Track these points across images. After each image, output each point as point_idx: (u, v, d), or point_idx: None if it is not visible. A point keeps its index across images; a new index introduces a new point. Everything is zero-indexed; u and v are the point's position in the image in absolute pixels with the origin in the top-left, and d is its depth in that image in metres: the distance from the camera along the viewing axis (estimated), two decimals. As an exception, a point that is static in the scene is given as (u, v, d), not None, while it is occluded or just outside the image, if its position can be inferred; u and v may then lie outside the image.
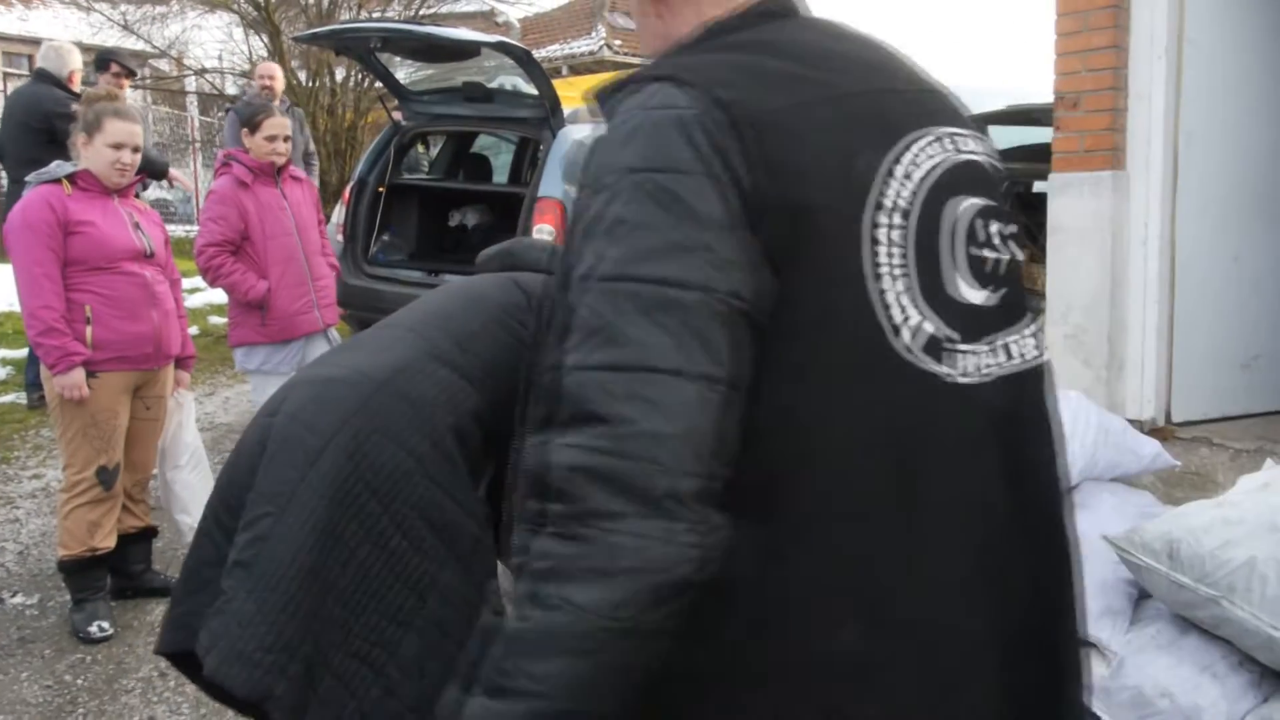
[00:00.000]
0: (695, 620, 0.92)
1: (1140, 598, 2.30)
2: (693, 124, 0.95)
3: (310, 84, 14.36)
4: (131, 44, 15.80)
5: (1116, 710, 2.09)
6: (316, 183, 6.64)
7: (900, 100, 1.07)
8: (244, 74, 15.12)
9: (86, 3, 16.22)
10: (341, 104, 14.28)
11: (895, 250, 0.99)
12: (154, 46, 16.12)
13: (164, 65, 17.37)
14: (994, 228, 1.07)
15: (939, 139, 1.06)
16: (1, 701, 3.33)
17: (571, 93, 10.28)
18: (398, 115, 7.04)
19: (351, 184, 6.90)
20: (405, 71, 6.90)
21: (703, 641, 0.95)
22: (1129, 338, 4.59)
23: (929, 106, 1.09)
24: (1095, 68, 4.61)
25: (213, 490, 1.82)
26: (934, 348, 1.00)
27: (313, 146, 8.39)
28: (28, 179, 3.68)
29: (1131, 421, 3.67)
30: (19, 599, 4.08)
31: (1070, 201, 4.76)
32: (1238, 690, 2.07)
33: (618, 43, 21.07)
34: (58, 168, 3.65)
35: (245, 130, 4.48)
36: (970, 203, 1.05)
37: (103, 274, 3.61)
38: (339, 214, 6.87)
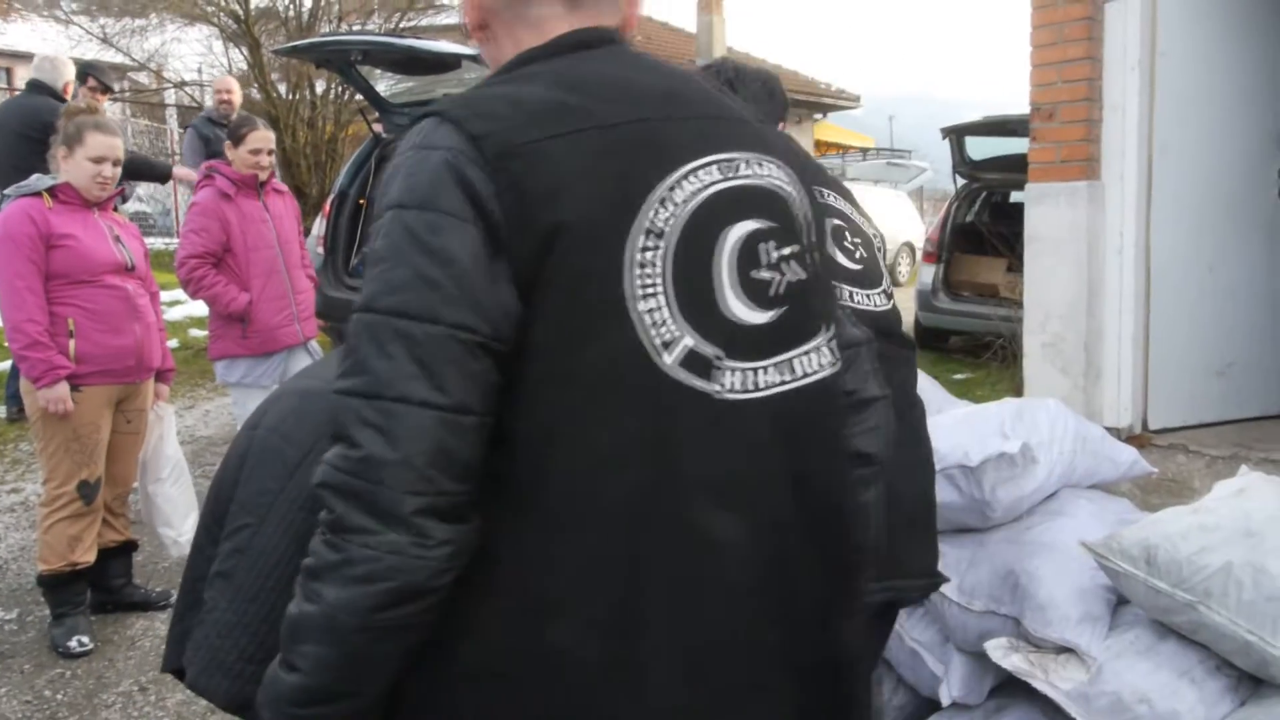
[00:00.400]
0: (456, 616, 1.03)
1: (1118, 604, 2.33)
2: (447, 160, 1.02)
3: (290, 96, 14.33)
4: (111, 57, 15.73)
5: (1096, 716, 2.11)
6: None
7: (684, 128, 1.12)
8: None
9: (65, 16, 16.13)
10: (321, 116, 14.25)
11: (657, 272, 1.04)
12: (133, 59, 16.04)
13: (143, 78, 17.28)
14: (773, 250, 1.12)
15: (719, 164, 1.11)
16: (-20, 718, 3.30)
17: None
18: (378, 127, 7.04)
19: (332, 196, 6.90)
20: (386, 84, 6.91)
21: (463, 636, 1.04)
22: (1105, 346, 4.63)
23: (718, 134, 1.14)
24: (1070, 79, 4.66)
25: (203, 505, 1.83)
26: (699, 365, 1.05)
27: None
28: (6, 192, 3.66)
29: (1108, 429, 3.71)
30: (-3, 614, 4.05)
31: (1047, 211, 4.80)
32: (1215, 694, 2.09)
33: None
34: (37, 181, 3.64)
35: (229, 143, 4.49)
36: (746, 226, 1.10)
37: (85, 287, 3.60)
38: (319, 226, 6.86)
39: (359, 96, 8.11)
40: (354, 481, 0.99)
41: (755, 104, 2.11)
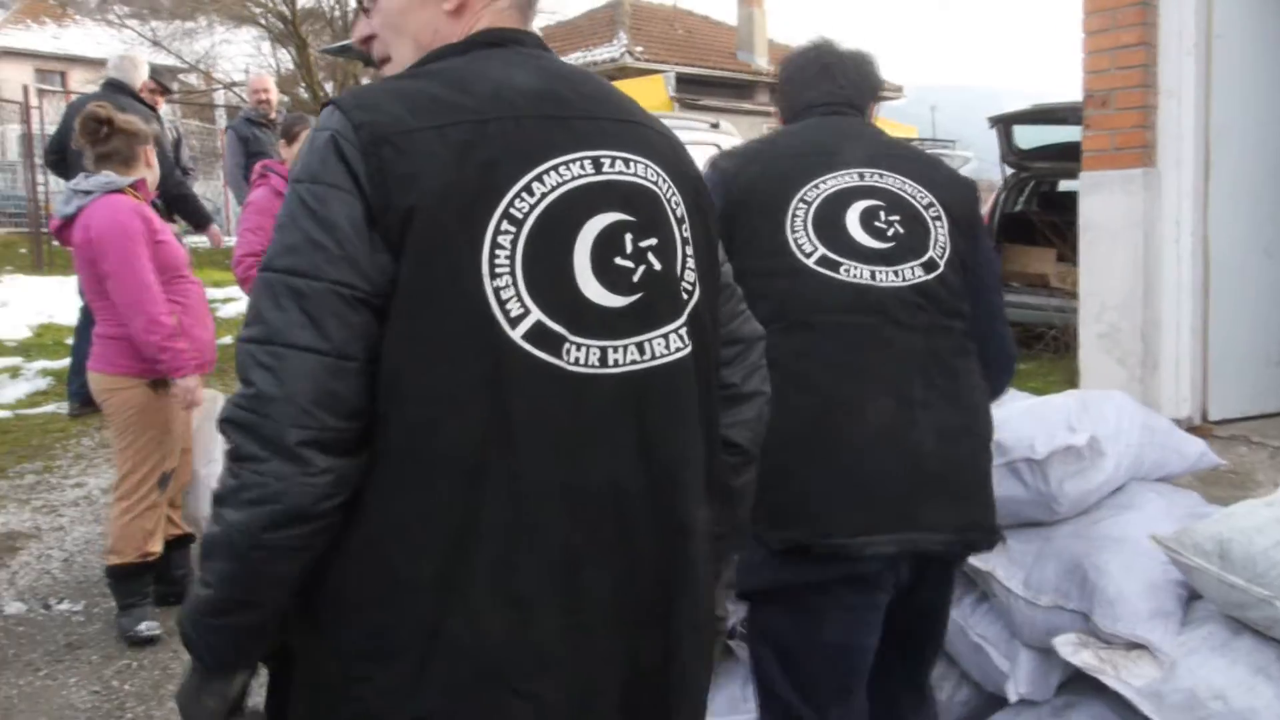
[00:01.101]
0: (334, 540, 1.16)
1: (1191, 599, 2.29)
2: (334, 142, 1.16)
3: (338, 94, 14.47)
4: (162, 59, 15.99)
5: (1169, 713, 2.08)
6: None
7: (559, 126, 1.24)
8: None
9: (118, 20, 16.38)
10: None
11: (509, 255, 1.17)
12: (184, 61, 16.27)
13: (193, 80, 17.52)
14: (634, 241, 1.24)
15: (587, 160, 1.23)
16: (50, 707, 3.37)
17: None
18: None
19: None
20: None
21: (336, 557, 1.17)
22: (1163, 336, 4.55)
23: (592, 133, 1.26)
24: (1125, 65, 4.58)
25: None
26: (548, 339, 1.17)
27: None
28: (84, 187, 3.69)
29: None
30: (65, 605, 4.13)
31: (1101, 200, 4.73)
32: (1290, 690, 2.06)
33: (639, 49, 21.13)
34: (116, 178, 3.69)
35: (282, 141, 4.58)
36: (608, 218, 1.22)
37: (178, 283, 3.71)
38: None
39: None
40: (248, 415, 1.12)
41: (850, 85, 2.16)
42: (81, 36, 20.32)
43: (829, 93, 2.15)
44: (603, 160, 1.25)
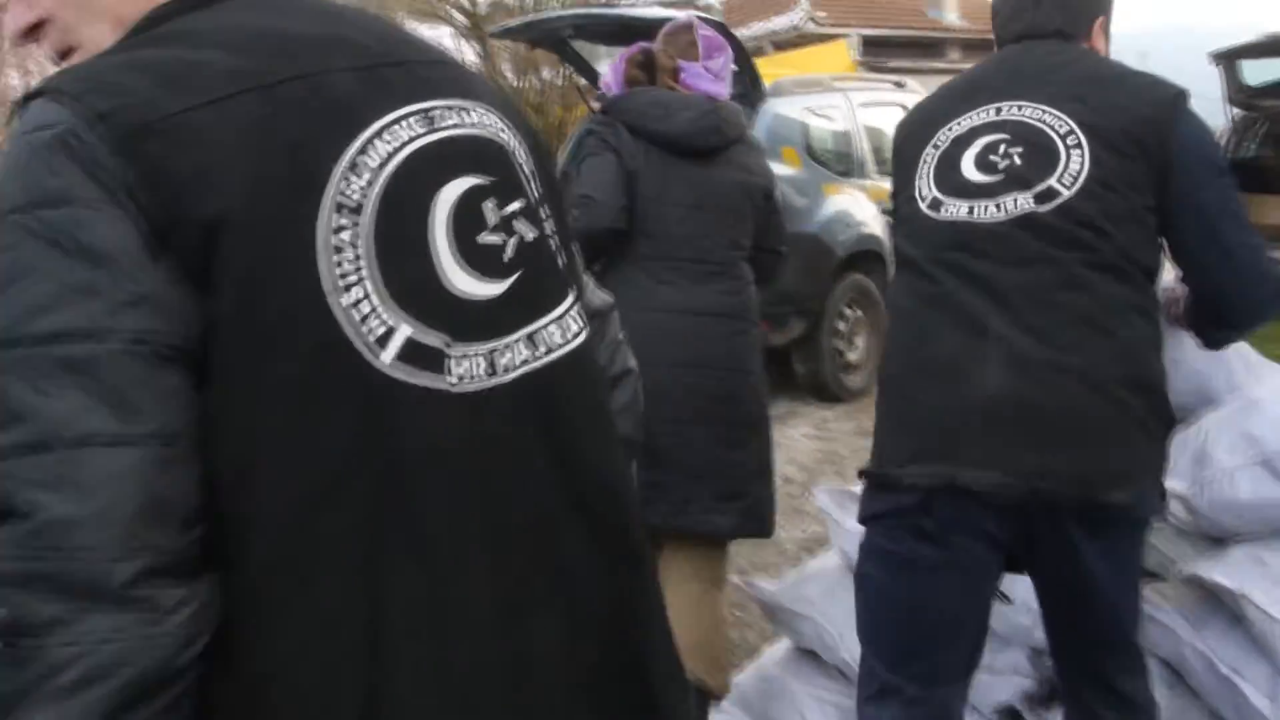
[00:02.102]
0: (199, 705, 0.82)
1: None
2: (69, 144, 0.81)
3: (518, 84, 14.59)
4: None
5: None
6: None
7: (368, 79, 0.94)
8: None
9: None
10: (549, 101, 14.42)
11: (358, 255, 0.87)
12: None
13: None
14: (498, 208, 0.97)
15: (416, 117, 0.94)
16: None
17: (775, 69, 9.95)
18: (596, 105, 6.91)
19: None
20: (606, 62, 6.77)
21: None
22: None
23: (410, 82, 0.97)
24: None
25: None
26: (425, 357, 0.89)
27: None
28: None
29: None
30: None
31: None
32: None
33: (822, 14, 20.49)
34: None
35: None
36: (461, 184, 0.94)
37: None
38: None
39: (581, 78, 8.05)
40: (37, 561, 0.74)
41: (1056, 9, 1.94)
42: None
43: (1031, 24, 1.96)
44: (433, 113, 0.95)
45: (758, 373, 2.75)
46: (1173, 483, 2.02)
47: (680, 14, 6.29)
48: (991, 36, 2.04)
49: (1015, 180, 1.78)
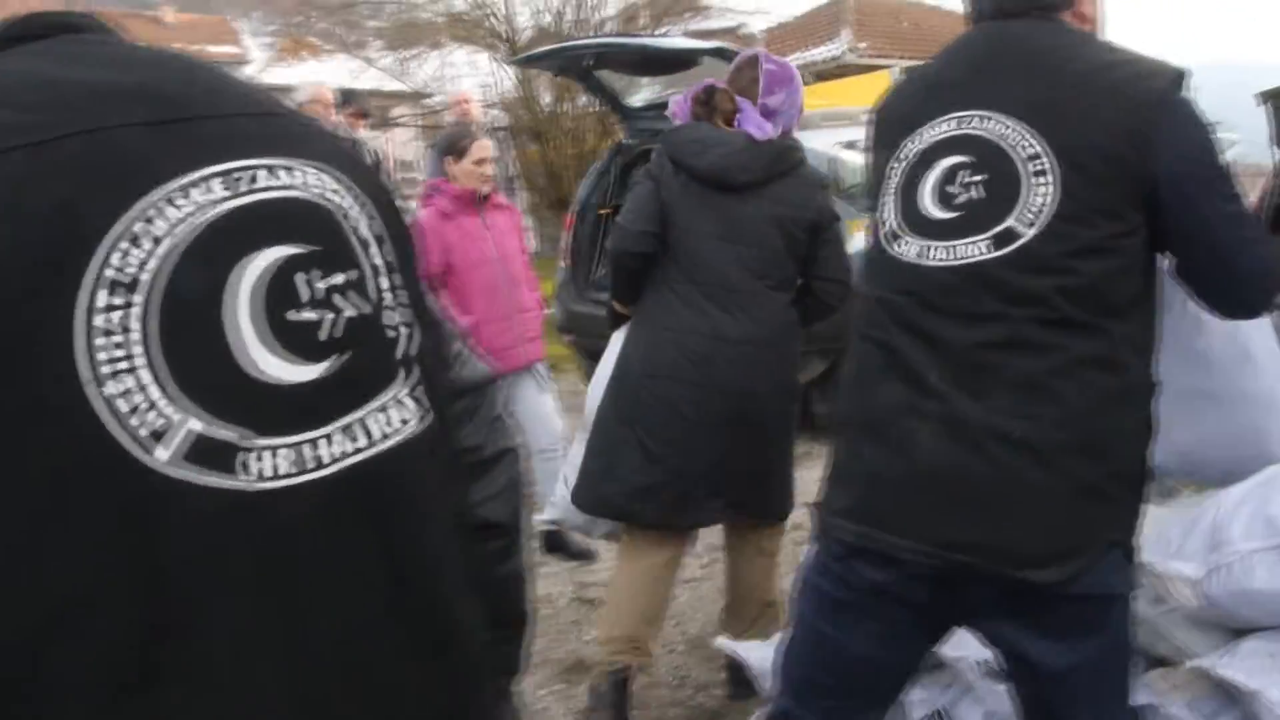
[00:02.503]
0: None
1: None
2: None
3: (555, 110, 14.58)
4: (392, 85, 16.72)
5: None
6: (520, 208, 6.57)
7: (163, 135, 0.83)
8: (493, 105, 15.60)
9: (367, 57, 17.21)
10: (583, 128, 14.39)
11: (133, 338, 0.77)
12: (409, 87, 16.88)
13: (433, 101, 18.17)
14: (318, 281, 0.85)
15: (223, 177, 0.83)
16: None
17: (817, 100, 9.83)
18: (623, 134, 6.84)
19: (574, 208, 6.75)
20: (647, 91, 6.69)
21: None
22: None
23: (225, 137, 0.86)
24: None
25: None
26: (214, 454, 0.78)
27: (514, 170, 8.23)
28: None
29: None
30: None
31: None
32: None
33: (864, 45, 20.36)
34: None
35: (450, 158, 4.30)
36: (274, 254, 0.83)
37: None
38: (563, 238, 6.75)
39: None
40: None
41: None
42: (335, 69, 21.59)
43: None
44: (242, 174, 0.83)
45: (774, 394, 2.94)
46: (1181, 565, 1.85)
47: (701, 43, 6.23)
48: None
49: (972, 220, 1.63)
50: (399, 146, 18.03)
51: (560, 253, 6.79)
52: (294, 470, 0.81)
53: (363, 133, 7.04)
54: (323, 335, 0.85)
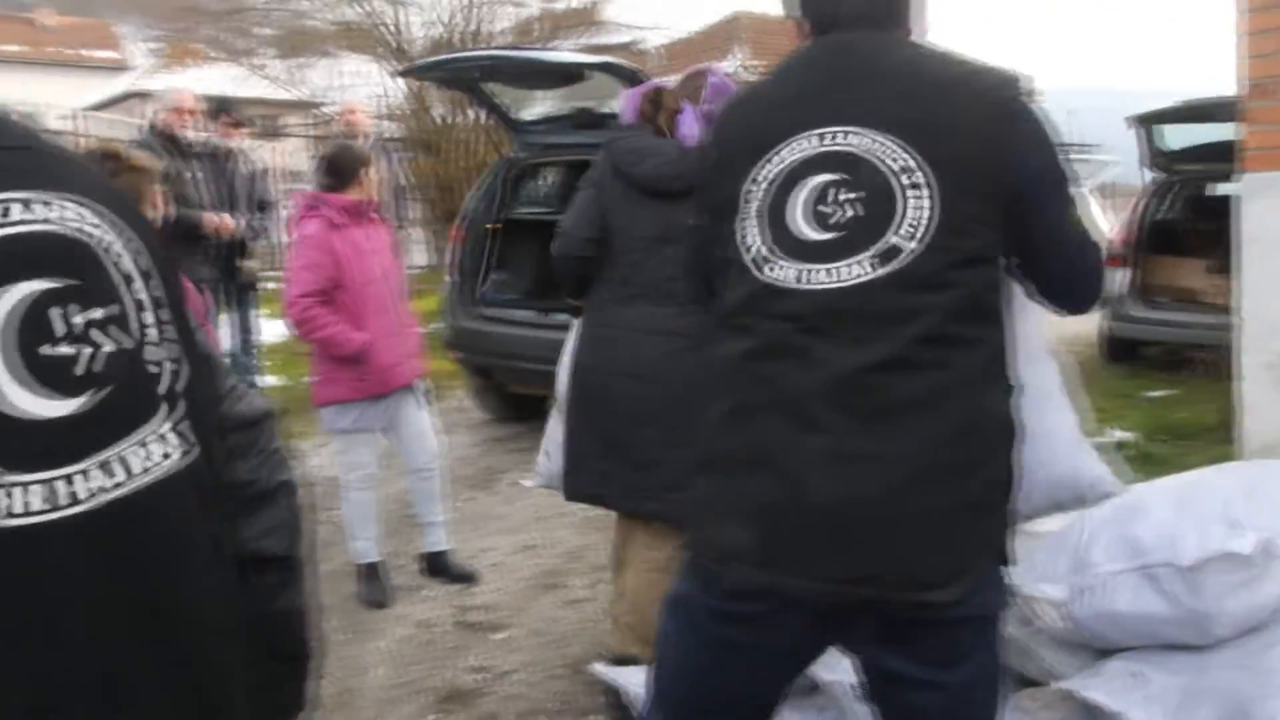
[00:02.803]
0: None
1: None
2: None
3: (447, 122, 14.38)
4: (281, 94, 16.31)
5: None
6: (408, 218, 6.41)
7: None
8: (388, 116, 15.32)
9: (249, 65, 16.73)
10: (477, 140, 14.23)
11: None
12: (300, 95, 16.49)
13: (322, 110, 17.76)
14: (74, 316, 0.86)
15: None
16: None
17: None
18: (510, 148, 6.75)
19: (461, 221, 6.62)
20: (545, 105, 6.59)
21: None
22: (1348, 367, 3.80)
23: None
24: (1293, 47, 3.86)
25: None
26: None
27: (403, 181, 8.05)
28: None
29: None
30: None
31: (1265, 206, 4.00)
32: None
33: (755, 63, 20.60)
34: None
35: (363, 171, 4.16)
36: (24, 289, 0.84)
37: None
38: (450, 252, 6.62)
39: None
40: None
41: None
42: (223, 76, 20.97)
43: (841, 12, 1.74)
44: (3, 207, 0.84)
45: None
46: (1047, 587, 1.85)
47: (589, 57, 6.18)
48: None
49: (852, 240, 1.59)
50: (288, 156, 17.57)
51: (447, 267, 6.66)
52: (46, 507, 0.81)
53: (240, 142, 6.80)
54: (79, 370, 0.84)
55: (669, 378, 2.90)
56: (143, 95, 28.43)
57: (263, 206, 6.80)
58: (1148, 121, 7.87)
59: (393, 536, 4.82)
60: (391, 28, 14.96)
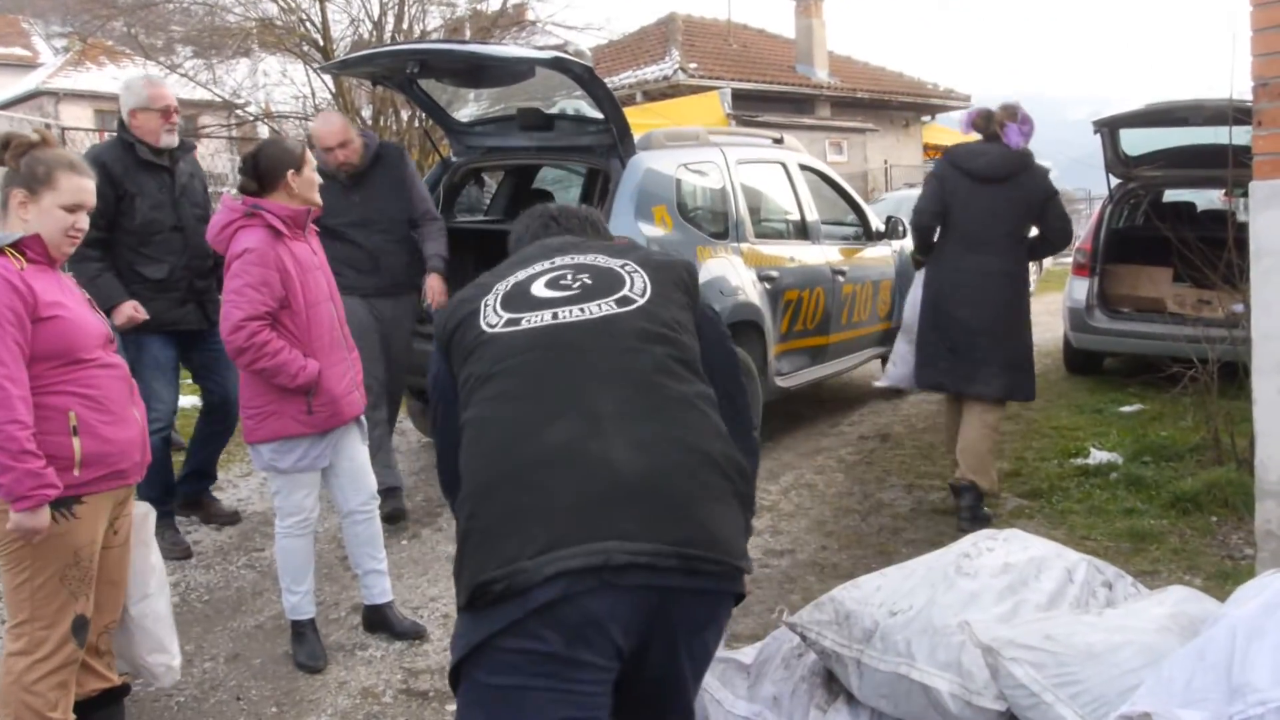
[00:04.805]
0: None
1: None
2: None
3: (375, 123, 13.81)
4: (199, 94, 15.56)
5: None
6: None
7: None
8: (307, 117, 14.70)
9: (168, 62, 15.91)
10: (408, 143, 13.67)
11: None
12: (219, 95, 15.76)
13: (248, 111, 17.00)
14: None
15: None
16: None
17: (647, 119, 9.41)
18: (448, 150, 6.25)
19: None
20: (475, 105, 6.10)
21: None
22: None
23: None
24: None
25: None
26: None
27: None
28: None
29: None
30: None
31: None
32: None
33: (693, 65, 20.30)
34: (2, 235, 2.82)
35: (292, 172, 3.52)
36: None
37: (81, 368, 2.78)
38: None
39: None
40: None
41: (577, 226, 2.41)
42: (135, 74, 20.19)
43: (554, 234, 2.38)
44: None
45: (1015, 304, 4.87)
46: (1192, 715, 1.45)
47: (538, 52, 5.72)
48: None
49: (594, 292, 2.00)
50: (207, 159, 16.77)
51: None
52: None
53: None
54: None
55: (994, 300, 4.74)
56: (52, 94, 27.38)
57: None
58: (1110, 126, 7.63)
59: (328, 582, 4.34)
60: (315, 24, 14.32)
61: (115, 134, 4.72)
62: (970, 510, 4.74)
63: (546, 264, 2.11)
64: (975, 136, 4.99)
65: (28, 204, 2.80)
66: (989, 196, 4.73)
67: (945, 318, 4.83)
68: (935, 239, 4.95)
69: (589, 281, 2.02)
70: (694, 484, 1.77)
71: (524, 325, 1.95)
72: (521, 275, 2.09)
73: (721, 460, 1.83)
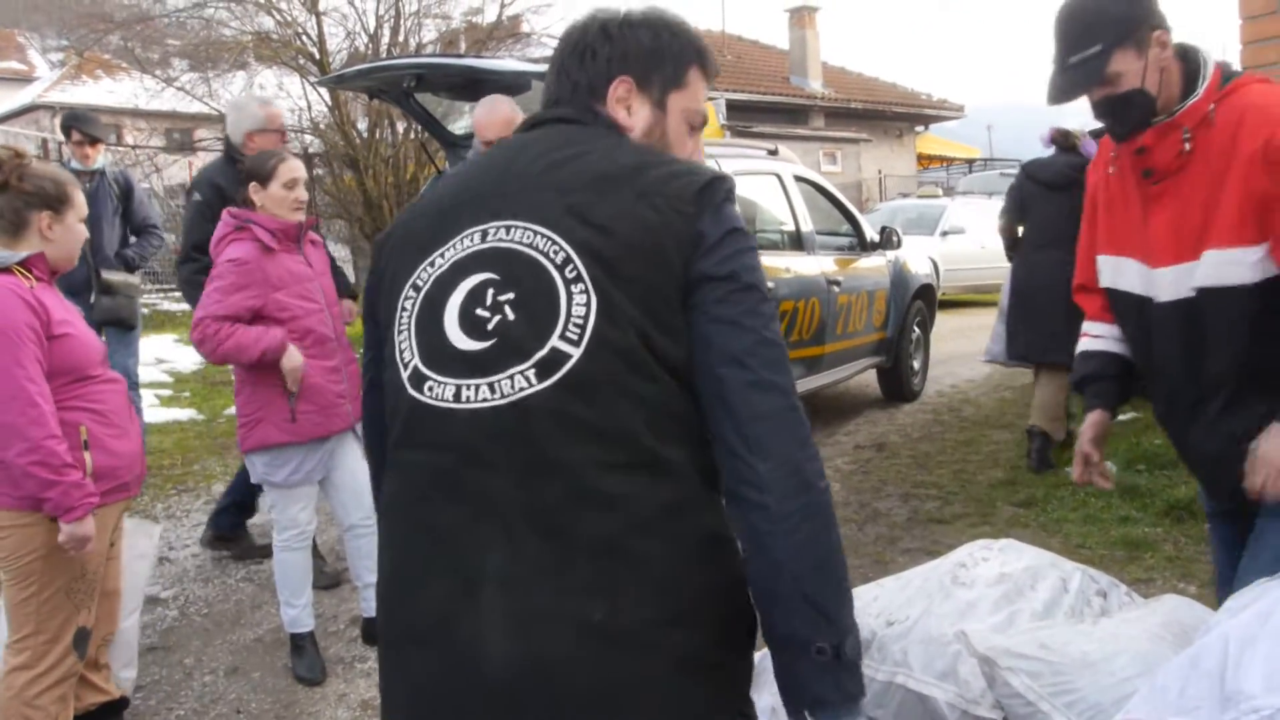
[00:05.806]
0: None
1: None
2: None
3: (370, 137, 13.85)
4: (195, 107, 15.62)
5: None
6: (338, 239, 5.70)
7: None
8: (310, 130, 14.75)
9: (164, 76, 15.99)
10: (403, 156, 13.71)
11: None
12: (216, 109, 15.82)
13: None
14: None
15: None
16: None
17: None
18: (444, 163, 6.28)
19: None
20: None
21: None
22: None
23: None
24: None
25: None
26: None
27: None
28: None
29: None
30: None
31: None
32: None
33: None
34: (7, 255, 2.84)
35: (254, 184, 3.59)
36: None
37: (87, 385, 2.81)
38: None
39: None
40: None
41: (566, 79, 1.58)
42: (134, 88, 20.13)
43: (547, 98, 1.63)
44: None
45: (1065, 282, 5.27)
46: (1184, 724, 1.48)
47: (534, 66, 5.77)
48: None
49: (510, 346, 1.38)
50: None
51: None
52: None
53: (101, 160, 5.96)
54: None
55: (1063, 288, 4.55)
56: (49, 108, 27.44)
57: (139, 231, 6.15)
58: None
59: (327, 595, 4.35)
60: (311, 38, 14.37)
61: (221, 154, 4.71)
62: (1039, 454, 5.76)
63: (472, 241, 1.46)
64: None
65: (54, 224, 2.84)
66: (1056, 202, 5.59)
67: (1026, 301, 5.84)
68: (1018, 237, 6.05)
69: (511, 316, 1.39)
70: (600, 680, 1.32)
71: (426, 396, 1.41)
72: (446, 260, 1.46)
73: (662, 638, 1.34)
